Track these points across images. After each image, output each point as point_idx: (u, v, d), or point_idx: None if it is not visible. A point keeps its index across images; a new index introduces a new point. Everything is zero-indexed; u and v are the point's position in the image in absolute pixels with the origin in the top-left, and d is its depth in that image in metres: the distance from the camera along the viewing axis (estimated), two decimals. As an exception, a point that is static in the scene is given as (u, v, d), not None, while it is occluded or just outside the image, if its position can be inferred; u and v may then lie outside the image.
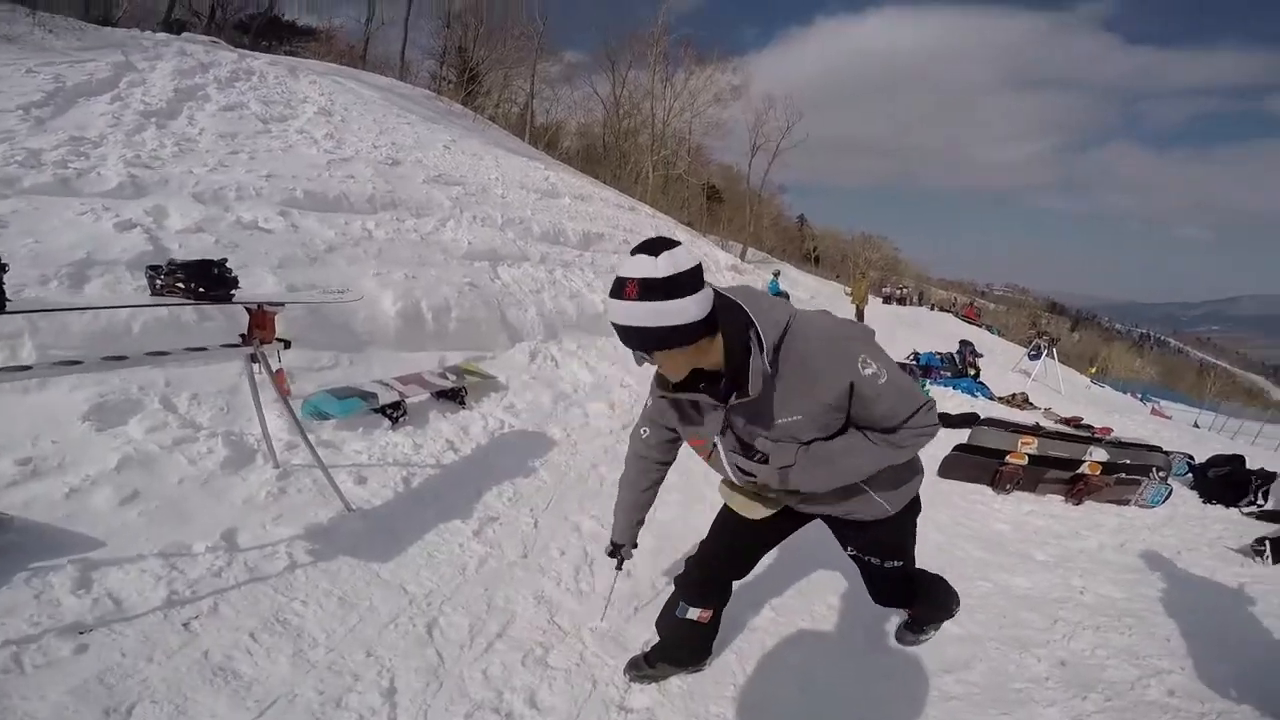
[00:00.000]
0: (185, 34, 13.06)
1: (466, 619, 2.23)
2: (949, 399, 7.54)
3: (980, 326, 29.99)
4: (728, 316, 1.33)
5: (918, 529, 1.84)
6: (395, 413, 3.56)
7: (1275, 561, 3.72)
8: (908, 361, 9.52)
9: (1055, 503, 4.60)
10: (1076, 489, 4.59)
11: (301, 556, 2.31)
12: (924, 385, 7.31)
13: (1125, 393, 26.74)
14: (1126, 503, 4.70)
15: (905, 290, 40.94)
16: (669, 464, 1.99)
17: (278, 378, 2.43)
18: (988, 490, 4.60)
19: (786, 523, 1.82)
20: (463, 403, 4.11)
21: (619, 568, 2.23)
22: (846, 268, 47.99)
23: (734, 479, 1.66)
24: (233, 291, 2.30)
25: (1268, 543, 3.78)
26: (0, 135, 4.73)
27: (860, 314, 17.86)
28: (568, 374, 5.24)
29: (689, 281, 1.24)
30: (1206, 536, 4.26)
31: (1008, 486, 4.56)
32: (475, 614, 2.27)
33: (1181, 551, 3.92)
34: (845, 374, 1.35)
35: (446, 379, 4.16)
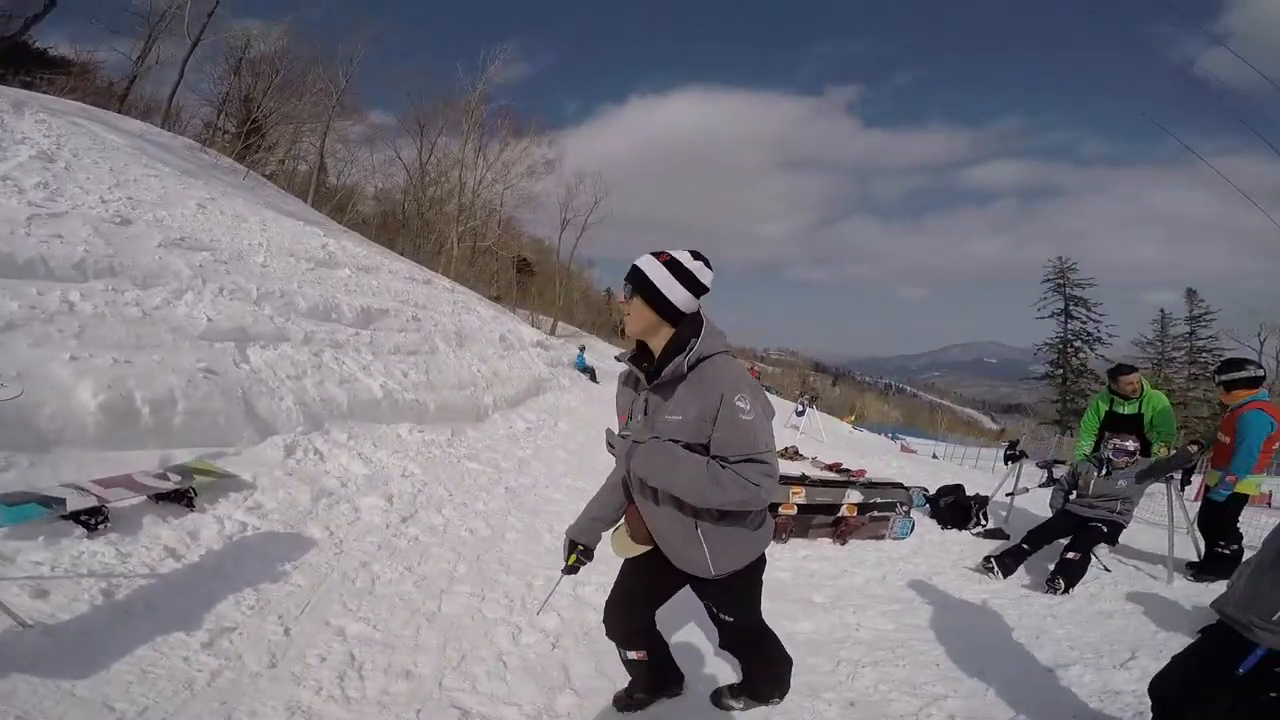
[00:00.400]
0: None
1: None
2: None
3: (761, 387, 33.63)
4: (688, 327, 1.77)
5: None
6: (93, 519, 2.92)
7: (1004, 575, 4.40)
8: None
9: (825, 545, 5.06)
10: (840, 530, 5.11)
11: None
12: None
13: (880, 434, 31.73)
14: (882, 538, 5.34)
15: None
16: None
17: None
18: (768, 542, 4.91)
19: (670, 577, 2.02)
20: (191, 505, 3.43)
21: (566, 570, 2.11)
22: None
23: (611, 441, 1.93)
24: None
25: (993, 560, 4.49)
26: None
27: None
28: (335, 467, 4.62)
29: (693, 285, 1.76)
30: (949, 559, 4.95)
31: (784, 535, 4.91)
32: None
33: (932, 576, 4.47)
34: (723, 393, 1.68)
35: (168, 479, 3.46)
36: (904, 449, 24.48)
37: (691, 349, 1.72)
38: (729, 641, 2.25)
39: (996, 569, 4.46)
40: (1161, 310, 40.96)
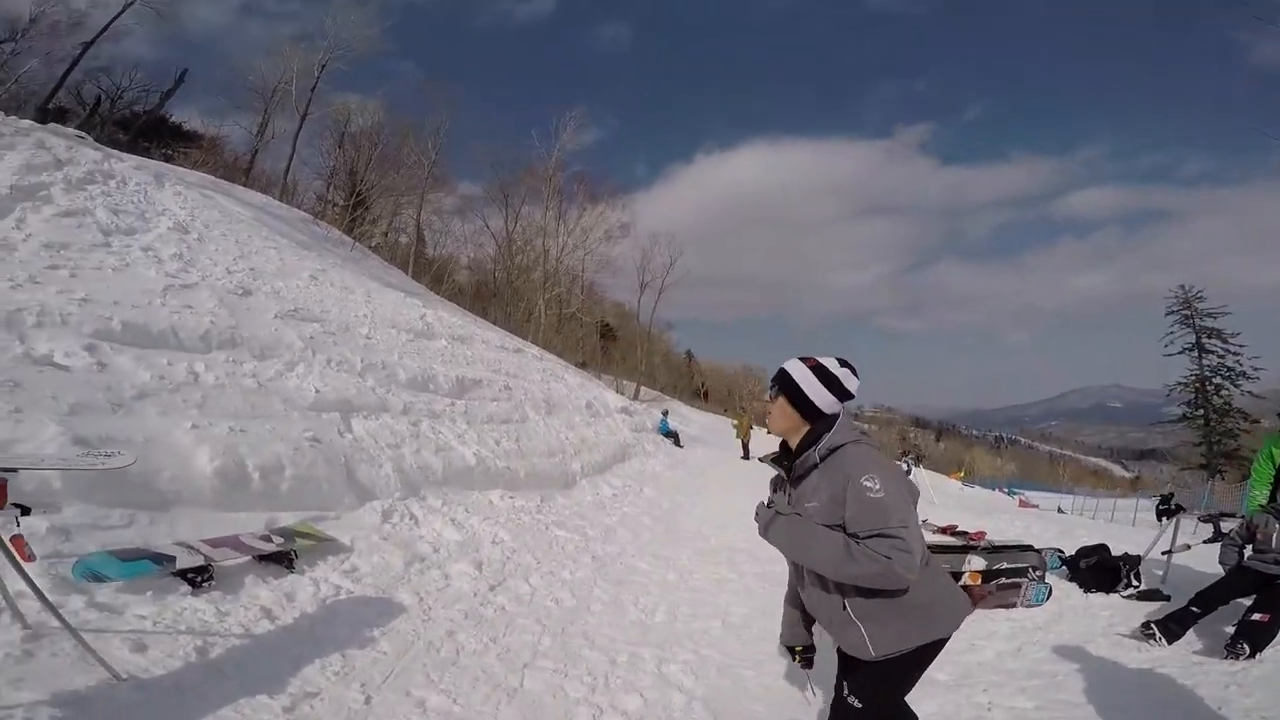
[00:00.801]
0: (52, 124, 12.03)
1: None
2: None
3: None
4: (823, 423, 1.82)
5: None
6: (198, 577, 3.06)
7: (1170, 642, 3.73)
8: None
9: (946, 618, 4.49)
10: (963, 601, 4.52)
11: (45, 726, 1.87)
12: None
13: (993, 489, 29.03)
14: (1012, 605, 4.69)
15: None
16: None
17: (15, 545, 2.16)
18: (879, 614, 4.43)
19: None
20: (291, 567, 3.55)
21: (801, 665, 2.23)
22: (732, 401, 50.34)
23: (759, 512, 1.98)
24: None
25: (1154, 625, 3.82)
26: None
27: (745, 447, 18.36)
28: (428, 533, 4.67)
29: (837, 389, 1.83)
30: (1098, 626, 4.25)
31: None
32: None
33: (1079, 646, 3.84)
34: (849, 475, 1.69)
35: (271, 541, 3.62)
36: (1023, 504, 22.21)
37: (822, 440, 1.78)
38: None
39: (1159, 635, 3.77)
40: (1317, 336, 35.55)
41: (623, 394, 25.92)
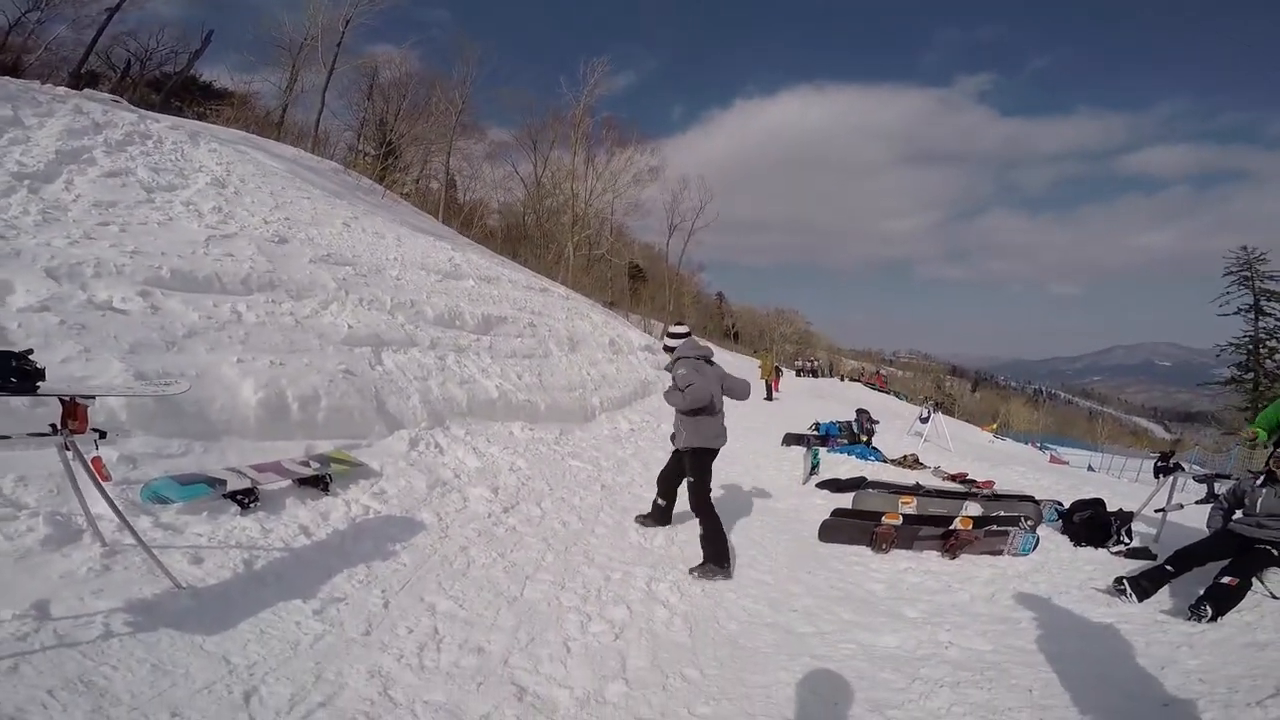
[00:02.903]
0: (87, 90, 12.49)
1: (289, 689, 2.21)
2: (842, 464, 7.81)
3: (889, 393, 31.52)
4: (674, 351, 4.41)
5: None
6: (246, 499, 3.49)
7: (1140, 599, 3.80)
8: (809, 432, 9.84)
9: (932, 559, 4.72)
10: (950, 544, 4.75)
11: (119, 627, 2.28)
12: (816, 453, 7.54)
13: (1026, 443, 28.71)
14: (999, 553, 4.87)
15: (817, 363, 42.91)
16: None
17: (94, 465, 2.46)
18: (867, 551, 4.69)
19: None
20: (326, 490, 3.98)
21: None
22: (764, 342, 50.14)
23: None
24: (38, 384, 2.30)
25: (1125, 581, 3.89)
26: None
27: (768, 386, 18.55)
28: (451, 460, 5.08)
29: (673, 338, 4.53)
30: (1077, 579, 4.36)
31: (884, 546, 4.67)
32: (300, 685, 2.25)
33: (1053, 596, 4.00)
34: (675, 369, 4.28)
35: (309, 466, 4.03)
36: (1054, 460, 21.94)
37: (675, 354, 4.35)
38: (691, 501, 4.17)
39: (1130, 591, 3.84)
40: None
41: (650, 333, 26.19)
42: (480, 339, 8.12)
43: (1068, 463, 21.45)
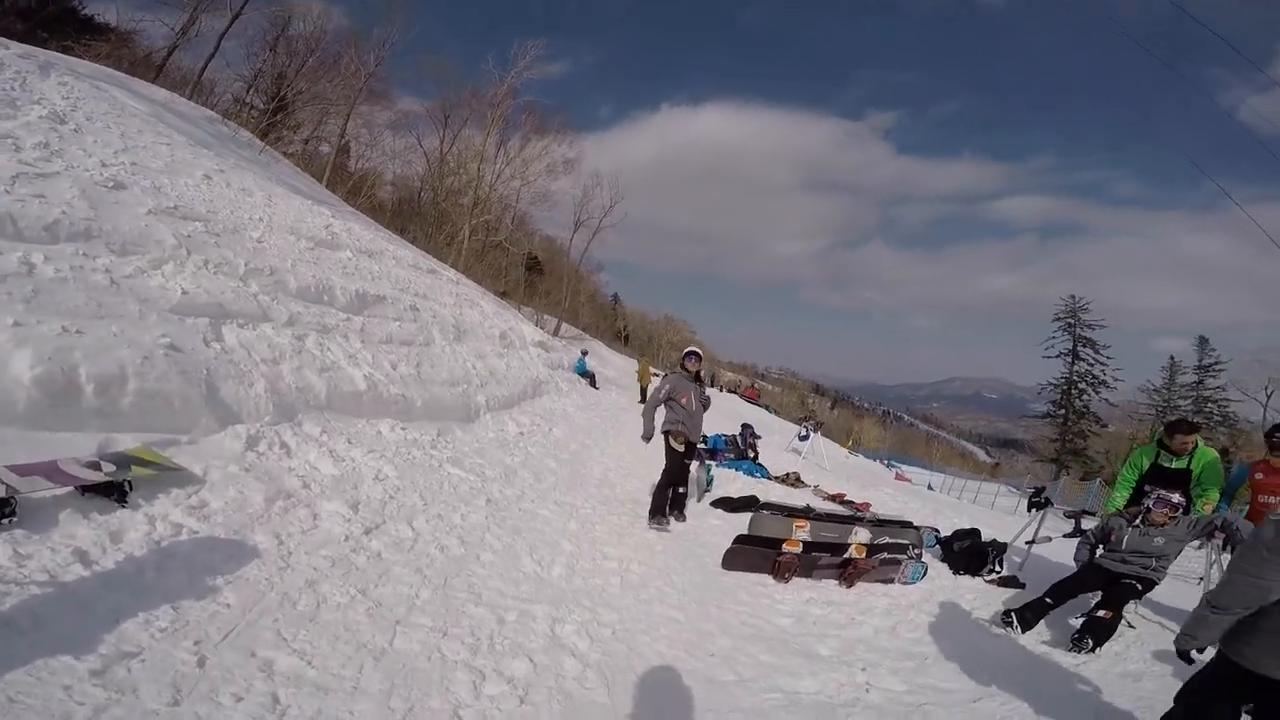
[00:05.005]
0: None
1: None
2: (732, 481, 7.73)
3: (760, 406, 33.03)
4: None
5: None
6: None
7: (1024, 630, 4.01)
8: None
9: (831, 587, 4.64)
10: (847, 572, 4.68)
11: None
12: (710, 468, 7.40)
13: (875, 459, 31.27)
14: (891, 581, 4.91)
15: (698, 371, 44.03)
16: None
17: None
18: (769, 580, 4.52)
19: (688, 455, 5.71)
20: (123, 500, 3.03)
21: (648, 440, 5.67)
22: (652, 348, 50.75)
23: (684, 418, 5.57)
24: None
25: (1013, 614, 4.08)
26: None
27: (644, 391, 18.55)
28: (300, 464, 4.22)
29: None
30: (963, 608, 4.52)
31: (786, 575, 4.50)
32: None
33: (946, 628, 4.08)
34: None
35: (99, 469, 3.07)
36: (899, 477, 23.97)
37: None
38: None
39: (1016, 623, 4.05)
40: (1171, 357, 40.55)
41: (543, 329, 25.36)
42: (351, 319, 7.11)
43: (910, 480, 23.56)
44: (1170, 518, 4.00)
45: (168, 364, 4.07)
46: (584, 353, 19.97)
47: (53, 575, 2.38)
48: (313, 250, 8.48)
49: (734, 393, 41.95)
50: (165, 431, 3.78)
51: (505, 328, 14.09)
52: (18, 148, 5.70)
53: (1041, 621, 4.09)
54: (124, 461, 3.21)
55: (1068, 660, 3.66)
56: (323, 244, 9.13)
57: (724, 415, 16.93)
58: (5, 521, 2.53)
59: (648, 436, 5.62)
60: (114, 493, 3.01)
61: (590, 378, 17.29)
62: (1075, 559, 4.57)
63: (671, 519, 5.53)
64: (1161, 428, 4.81)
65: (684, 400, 5.55)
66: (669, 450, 5.58)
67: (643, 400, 17.56)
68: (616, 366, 27.10)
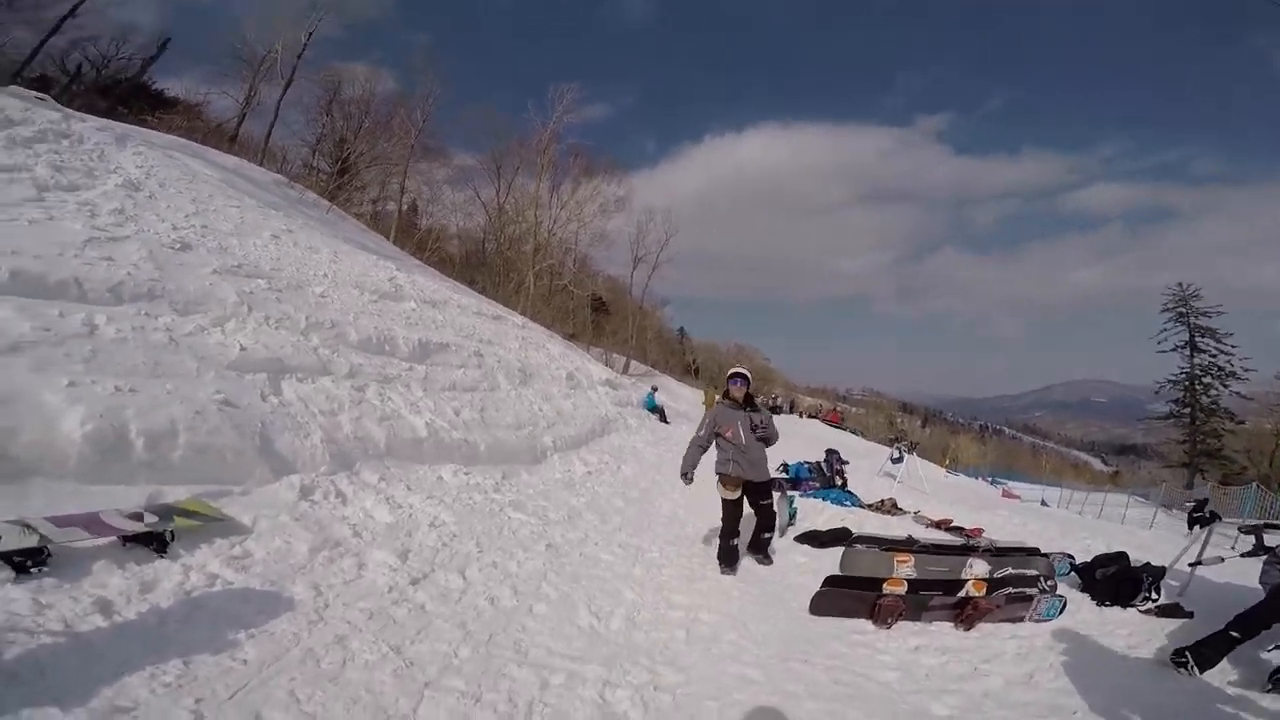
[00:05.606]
0: (12, 86, 11.13)
1: None
2: (820, 513, 7.03)
3: (844, 429, 31.40)
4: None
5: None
6: (28, 561, 2.48)
7: (1202, 670, 3.23)
8: (778, 474, 9.09)
9: (945, 630, 3.92)
10: (965, 613, 3.96)
11: None
12: (792, 499, 6.76)
13: (976, 477, 28.85)
14: (1020, 619, 4.13)
15: (777, 398, 42.85)
16: (706, 449, 4.90)
17: None
18: (868, 625, 3.86)
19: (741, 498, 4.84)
20: (163, 550, 2.93)
21: (688, 482, 4.87)
22: (723, 379, 49.80)
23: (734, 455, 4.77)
24: None
25: (1187, 653, 3.29)
26: None
27: None
28: (355, 512, 4.04)
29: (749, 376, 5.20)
30: (1116, 646, 3.72)
31: (889, 620, 3.85)
32: None
33: (1098, 672, 3.33)
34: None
35: (140, 519, 2.98)
36: (1005, 494, 21.90)
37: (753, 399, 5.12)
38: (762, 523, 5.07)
39: (1193, 662, 3.24)
40: (1310, 337, 35.34)
41: (612, 367, 25.27)
42: (413, 368, 7.09)
43: (1019, 497, 21.41)
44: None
45: (220, 418, 4.04)
46: (654, 388, 19.64)
47: (69, 625, 2.24)
48: (376, 303, 8.67)
49: (814, 417, 40.25)
50: (217, 483, 3.72)
51: (572, 368, 13.99)
52: (93, 214, 6.12)
53: (1225, 659, 3.27)
54: (167, 513, 3.12)
55: (1271, 704, 2.87)
56: (386, 296, 9.35)
57: (804, 442, 16.02)
58: (35, 570, 2.45)
59: (685, 477, 4.83)
60: (154, 542, 2.91)
61: (660, 412, 16.89)
62: (1262, 582, 3.68)
63: (754, 561, 4.95)
64: None
65: (729, 434, 4.74)
66: (722, 500, 4.80)
67: None
68: (687, 400, 26.53)
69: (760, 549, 5.05)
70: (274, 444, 4.27)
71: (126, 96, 20.48)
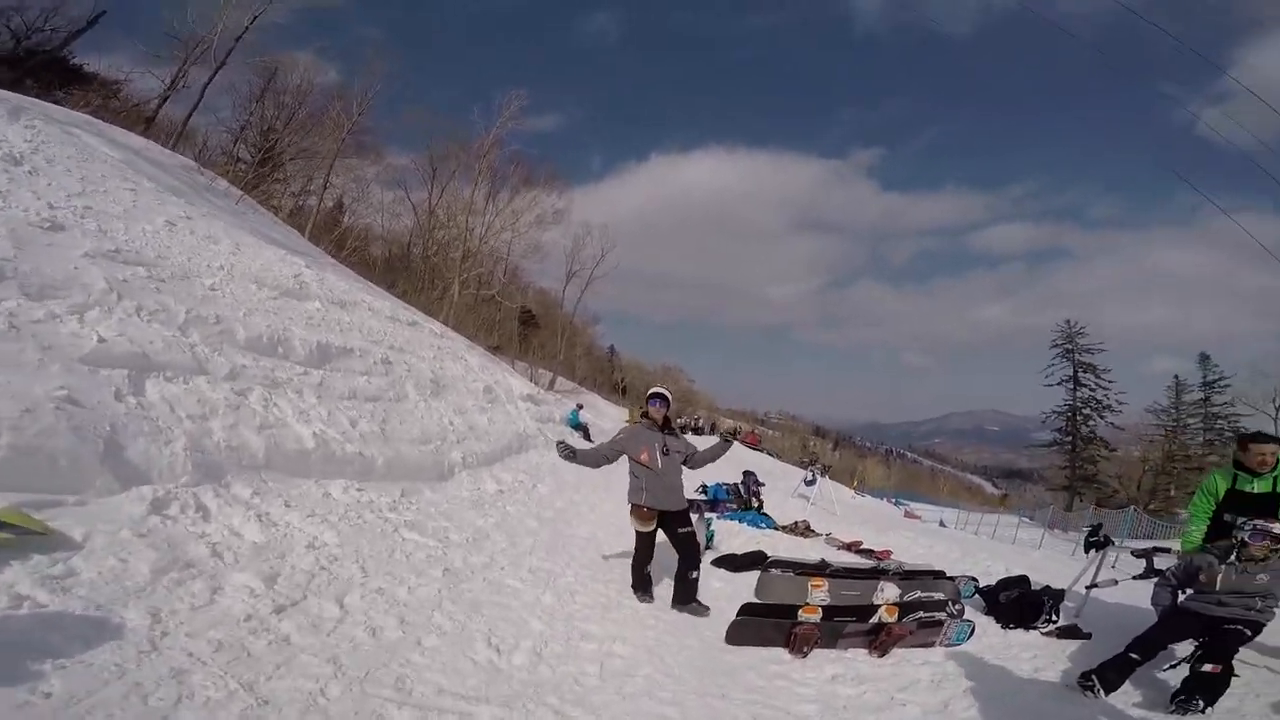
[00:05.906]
0: None
1: None
2: (736, 535, 6.97)
3: (762, 451, 32.20)
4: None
5: None
6: None
7: (1108, 692, 3.31)
8: (696, 496, 9.02)
9: (860, 659, 3.87)
10: (879, 640, 3.92)
11: None
12: (710, 522, 6.66)
13: (881, 498, 30.32)
14: (931, 645, 4.14)
15: (699, 419, 43.46)
16: (603, 463, 4.66)
17: None
18: (784, 654, 3.74)
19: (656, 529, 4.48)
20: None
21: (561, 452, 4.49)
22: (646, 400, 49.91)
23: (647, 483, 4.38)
24: None
25: (1093, 676, 3.37)
26: None
27: None
28: (217, 530, 3.51)
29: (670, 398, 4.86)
30: (1023, 671, 3.77)
31: (805, 649, 3.74)
32: None
33: (1009, 698, 3.37)
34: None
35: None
36: (908, 514, 23.07)
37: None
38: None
39: (1099, 686, 3.31)
40: (1176, 377, 39.92)
41: (537, 383, 24.64)
42: (309, 373, 6.47)
43: (920, 518, 22.62)
44: (1272, 550, 3.31)
45: (58, 417, 3.43)
46: (579, 405, 19.29)
47: None
48: (275, 300, 7.93)
49: (734, 437, 40.97)
50: (45, 492, 3.11)
51: (491, 381, 13.45)
52: (-46, 189, 5.23)
53: (1128, 681, 3.37)
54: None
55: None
56: (288, 294, 8.59)
57: (724, 462, 16.06)
58: None
59: (560, 446, 4.50)
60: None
61: (584, 430, 16.57)
62: (1154, 603, 3.88)
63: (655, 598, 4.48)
64: (1235, 444, 4.15)
65: (644, 458, 4.31)
66: (636, 531, 4.46)
67: None
68: (613, 418, 26.26)
69: (688, 596, 4.37)
70: (124, 450, 3.67)
71: (38, 69, 18.37)
